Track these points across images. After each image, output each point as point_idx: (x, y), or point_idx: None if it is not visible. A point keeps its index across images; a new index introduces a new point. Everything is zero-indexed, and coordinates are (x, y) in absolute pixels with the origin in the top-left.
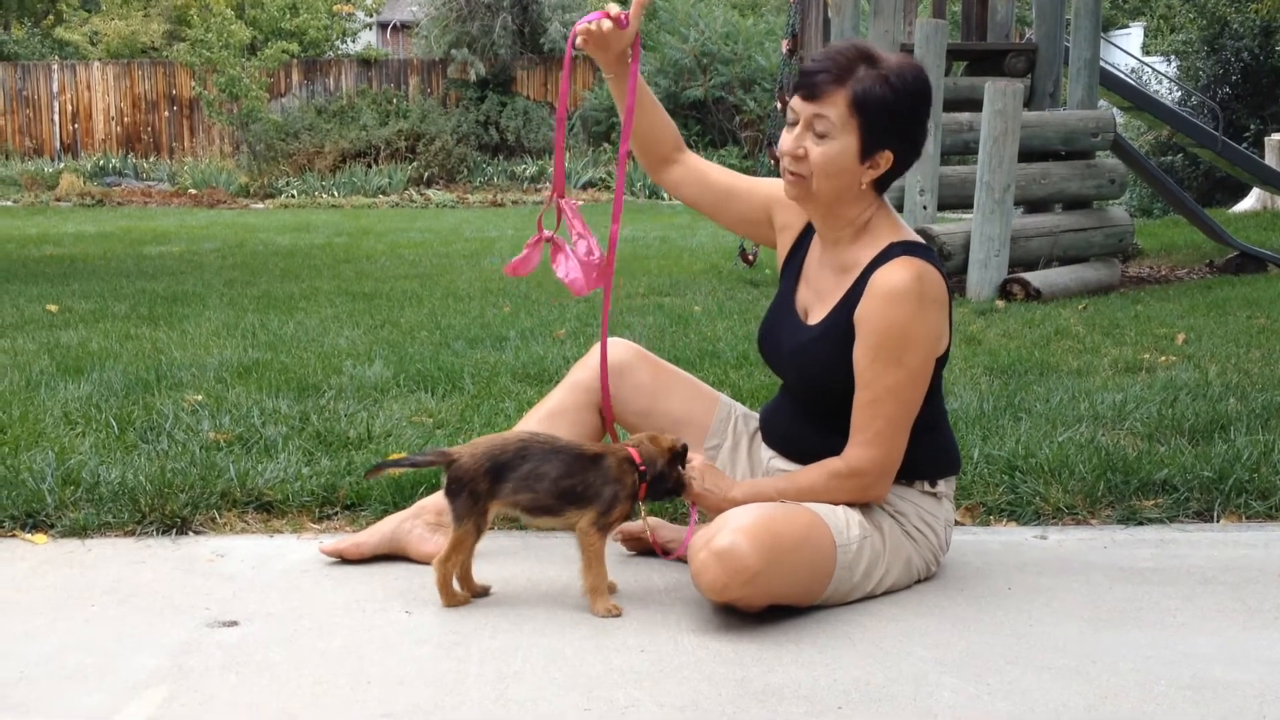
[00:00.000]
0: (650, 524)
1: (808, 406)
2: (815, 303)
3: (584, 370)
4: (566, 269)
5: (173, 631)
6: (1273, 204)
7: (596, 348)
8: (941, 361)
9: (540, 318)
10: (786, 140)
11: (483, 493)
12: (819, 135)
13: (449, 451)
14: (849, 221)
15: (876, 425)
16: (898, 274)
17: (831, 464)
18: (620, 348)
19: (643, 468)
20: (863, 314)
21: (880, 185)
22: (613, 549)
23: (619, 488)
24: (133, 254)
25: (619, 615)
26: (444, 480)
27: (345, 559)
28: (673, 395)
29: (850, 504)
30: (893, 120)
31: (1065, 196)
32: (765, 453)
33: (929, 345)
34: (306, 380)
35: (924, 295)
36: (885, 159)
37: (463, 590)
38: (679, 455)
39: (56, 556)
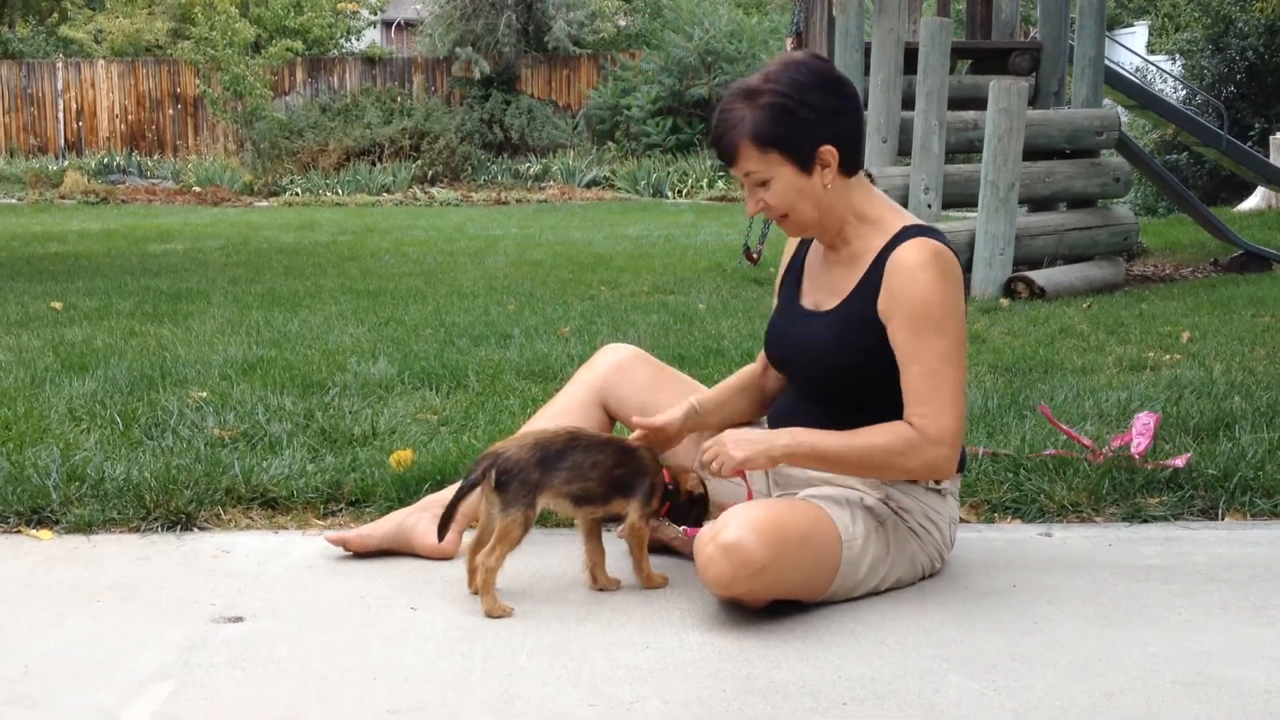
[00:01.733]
0: (654, 522)
1: (823, 401)
2: (827, 295)
3: (590, 370)
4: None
5: (178, 628)
6: (1277, 202)
7: (601, 351)
8: None
9: (544, 315)
10: (748, 203)
11: (534, 483)
12: (761, 184)
13: (492, 449)
14: (843, 217)
15: (942, 393)
16: (917, 252)
17: (900, 429)
18: (621, 350)
19: (670, 486)
20: (891, 298)
21: (850, 168)
22: (617, 547)
23: (655, 478)
24: (137, 251)
25: (666, 584)
26: (491, 477)
27: (349, 549)
28: (673, 395)
29: (911, 476)
30: (803, 123)
31: (1070, 195)
32: None
33: (960, 317)
34: (311, 377)
35: (946, 271)
36: (829, 154)
37: (472, 585)
38: (697, 500)
39: (61, 553)
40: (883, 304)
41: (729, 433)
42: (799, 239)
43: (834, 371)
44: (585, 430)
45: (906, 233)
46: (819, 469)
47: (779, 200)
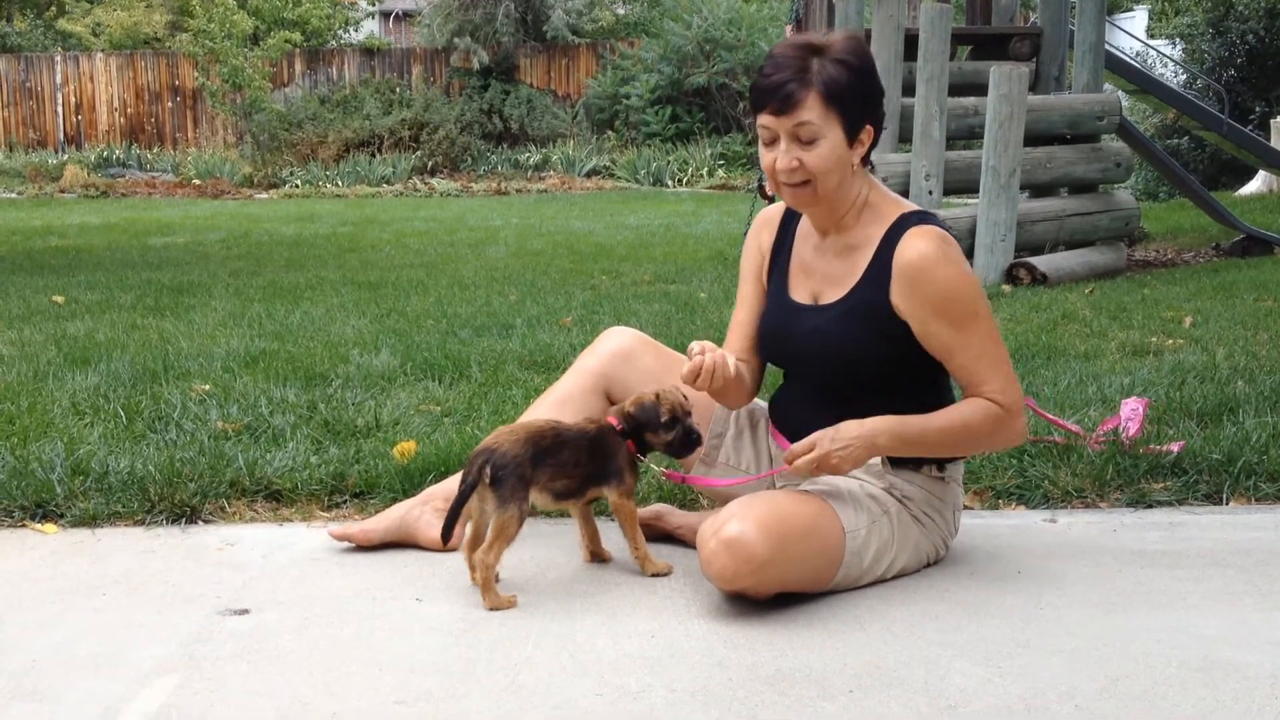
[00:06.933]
0: (659, 510)
1: (827, 390)
2: (827, 287)
3: (591, 357)
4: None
5: (184, 620)
6: (1278, 186)
7: (604, 335)
8: None
9: (546, 305)
10: (776, 159)
11: (528, 478)
12: (806, 142)
13: (485, 445)
14: (851, 203)
15: (1003, 368)
16: (924, 245)
17: (985, 406)
18: (624, 335)
19: (620, 427)
20: (914, 297)
21: (868, 156)
22: (624, 549)
23: (620, 457)
24: (138, 245)
25: (670, 573)
26: (487, 474)
27: (353, 544)
28: (678, 381)
29: (992, 449)
30: (862, 97)
31: (1071, 180)
32: (774, 443)
33: (983, 292)
34: (314, 369)
35: (956, 257)
36: (867, 134)
37: (474, 578)
38: (677, 418)
39: (66, 546)
40: (900, 300)
41: (826, 438)
42: (770, 232)
43: (847, 362)
44: (564, 423)
45: (906, 221)
46: (908, 454)
47: (819, 163)
